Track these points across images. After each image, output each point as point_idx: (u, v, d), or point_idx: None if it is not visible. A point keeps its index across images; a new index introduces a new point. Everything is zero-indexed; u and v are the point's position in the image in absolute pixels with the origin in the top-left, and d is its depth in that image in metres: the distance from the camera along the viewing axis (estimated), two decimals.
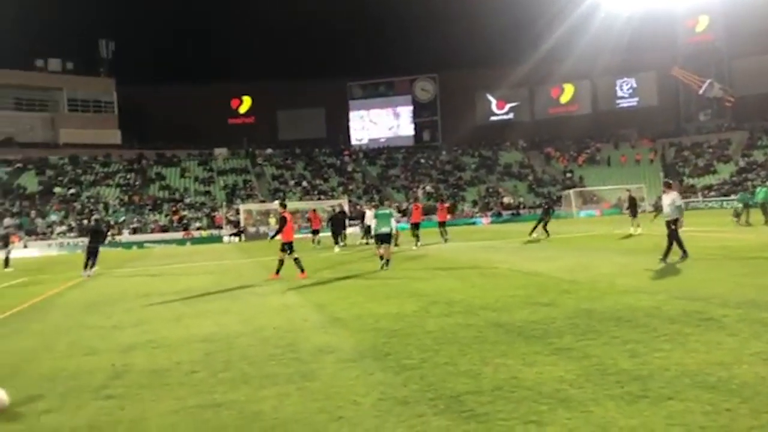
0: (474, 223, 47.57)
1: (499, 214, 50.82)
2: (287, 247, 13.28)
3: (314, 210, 30.02)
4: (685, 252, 11.88)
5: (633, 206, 23.28)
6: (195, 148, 66.71)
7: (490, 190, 58.60)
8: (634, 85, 76.32)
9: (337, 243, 24.39)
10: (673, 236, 11.91)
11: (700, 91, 66.65)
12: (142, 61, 77.32)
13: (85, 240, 20.25)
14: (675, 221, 11.95)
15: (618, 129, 72.53)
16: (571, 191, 51.17)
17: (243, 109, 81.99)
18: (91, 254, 18.03)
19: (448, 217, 26.98)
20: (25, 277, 18.94)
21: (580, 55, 66.80)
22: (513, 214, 51.07)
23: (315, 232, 26.87)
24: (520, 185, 60.54)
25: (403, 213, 25.01)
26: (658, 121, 71.58)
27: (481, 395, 4.38)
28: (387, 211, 15.05)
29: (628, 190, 27.36)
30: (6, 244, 23.33)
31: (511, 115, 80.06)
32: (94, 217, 29.76)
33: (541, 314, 7.30)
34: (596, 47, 65.67)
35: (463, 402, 4.26)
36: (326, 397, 4.56)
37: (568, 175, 62.85)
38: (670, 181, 12.60)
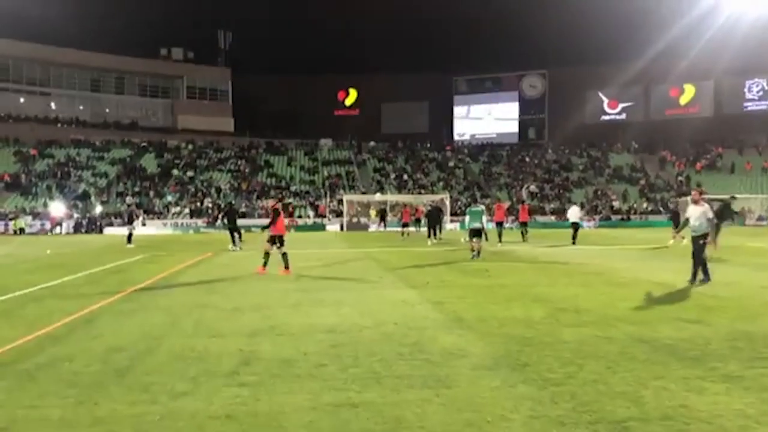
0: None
1: (608, 218, 48.42)
2: (277, 240, 12.88)
3: (405, 204, 31.94)
4: (706, 275, 10.59)
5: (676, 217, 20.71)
6: (301, 137, 68.45)
7: (599, 192, 56.02)
8: (766, 87, 70.35)
9: (430, 237, 25.26)
10: (698, 254, 10.53)
11: None
12: (256, 53, 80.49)
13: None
14: (704, 236, 10.54)
15: (744, 134, 67.14)
16: (689, 198, 47.72)
17: (349, 102, 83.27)
18: (231, 232, 21.60)
19: (528, 218, 27.19)
20: (144, 253, 19.96)
21: (703, 53, 62.28)
22: (623, 218, 48.52)
23: (404, 225, 29.94)
24: (630, 189, 57.46)
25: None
26: None
27: (649, 424, 3.86)
28: (479, 209, 16.70)
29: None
30: (130, 222, 24.79)
31: (623, 116, 76.16)
32: (229, 201, 31.63)
33: (689, 332, 6.57)
34: (721, 45, 61.03)
35: (629, 430, 3.76)
36: (471, 408, 4.19)
37: (680, 179, 58.90)
38: (703, 189, 10.90)
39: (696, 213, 10.71)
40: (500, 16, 75.07)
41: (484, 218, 16.43)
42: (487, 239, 19.84)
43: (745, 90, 71.32)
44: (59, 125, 64.84)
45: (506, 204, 32.01)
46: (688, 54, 63.09)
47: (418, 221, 32.04)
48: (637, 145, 68.96)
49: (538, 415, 4.02)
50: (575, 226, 22.74)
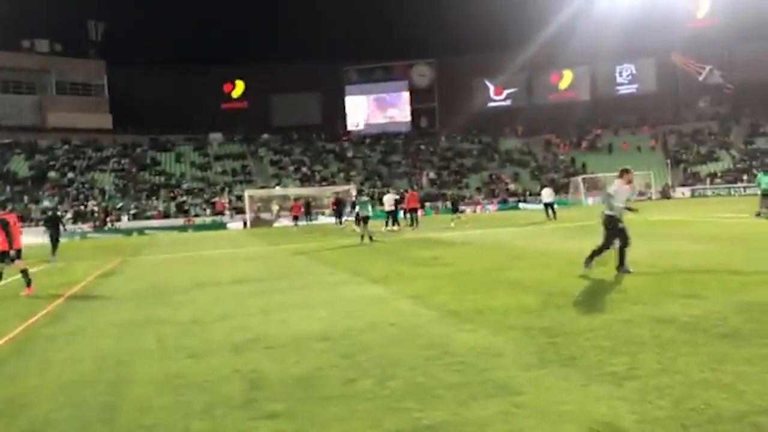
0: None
1: (505, 201, 50.10)
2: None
3: (295, 199, 34.65)
4: (591, 259, 9.39)
5: None
6: (188, 133, 65.07)
7: (493, 177, 57.85)
8: (634, 72, 75.74)
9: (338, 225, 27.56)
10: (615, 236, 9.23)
11: (700, 78, 66.26)
12: (133, 44, 75.18)
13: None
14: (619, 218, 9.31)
15: (617, 116, 72.02)
16: (579, 178, 50.56)
17: (236, 94, 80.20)
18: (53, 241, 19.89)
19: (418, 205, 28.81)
20: (38, 265, 17.74)
21: (580, 40, 66.00)
22: (519, 200, 50.38)
23: (295, 218, 33.97)
24: (522, 172, 59.86)
25: (401, 200, 25.92)
26: (658, 108, 71.10)
27: None
28: (366, 200, 19.62)
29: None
30: None
31: (509, 102, 79.12)
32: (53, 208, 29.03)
33: (699, 309, 6.41)
34: (597, 33, 64.93)
35: (762, 427, 3.37)
36: (567, 417, 3.63)
37: (562, 158, 62.25)
38: (629, 168, 9.90)
39: (624, 194, 9.48)
40: (388, 4, 75.37)
41: (369, 207, 19.21)
42: (399, 226, 23.79)
43: (617, 75, 76.42)
44: None
45: (418, 192, 32.56)
46: (567, 42, 66.54)
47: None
48: (524, 130, 71.97)
49: (647, 419, 3.53)
50: (551, 206, 25.43)
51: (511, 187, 54.57)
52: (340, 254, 15.63)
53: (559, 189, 53.87)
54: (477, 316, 6.69)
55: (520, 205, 48.71)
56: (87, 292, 10.93)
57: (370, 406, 4.03)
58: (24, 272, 11.01)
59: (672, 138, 64.78)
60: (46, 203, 45.26)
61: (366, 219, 18.24)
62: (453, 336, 5.82)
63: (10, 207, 43.02)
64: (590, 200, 48.46)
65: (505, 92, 79.18)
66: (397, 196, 25.60)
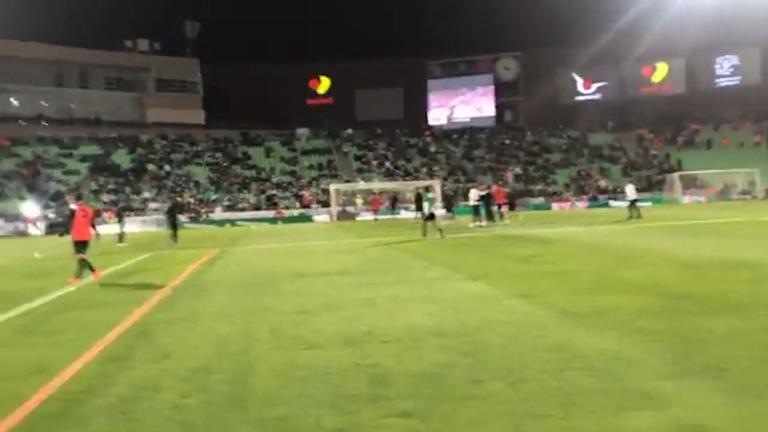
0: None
1: (595, 198, 48.29)
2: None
3: (375, 193, 36.81)
4: None
5: None
6: (276, 128, 66.77)
7: (582, 173, 55.92)
8: (736, 63, 71.13)
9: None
10: None
11: None
12: (225, 42, 78.14)
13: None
14: None
15: (717, 110, 67.91)
16: (675, 175, 48.01)
17: (321, 90, 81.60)
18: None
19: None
20: (143, 252, 18.62)
21: (675, 30, 62.57)
22: (609, 197, 48.42)
23: (375, 212, 36.28)
24: (612, 168, 57.52)
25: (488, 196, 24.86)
26: (763, 102, 66.39)
27: None
28: (431, 196, 19.71)
29: None
30: (120, 220, 23.33)
31: (598, 95, 76.39)
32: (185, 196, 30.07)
33: None
34: (691, 22, 61.36)
35: None
36: None
37: (655, 154, 59.14)
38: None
39: None
40: None
41: (436, 204, 19.74)
42: (485, 221, 24.12)
43: (717, 66, 72.01)
44: (22, 122, 61.98)
45: (505, 188, 31.91)
46: (658, 32, 63.21)
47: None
48: (613, 124, 69.19)
49: None
50: (634, 203, 24.71)
51: (601, 183, 52.50)
52: (431, 248, 15.43)
53: (653, 186, 51.51)
54: (598, 317, 6.32)
55: (611, 202, 46.76)
56: (193, 279, 11.28)
57: (506, 410, 3.82)
58: (80, 261, 11.34)
59: None
60: (145, 194, 47.71)
61: (432, 216, 18.79)
62: (577, 338, 5.50)
63: (115, 197, 45.74)
64: (686, 198, 45.93)
65: (595, 85, 76.48)
66: (484, 192, 25.09)
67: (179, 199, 23.95)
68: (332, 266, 12.22)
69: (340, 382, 4.54)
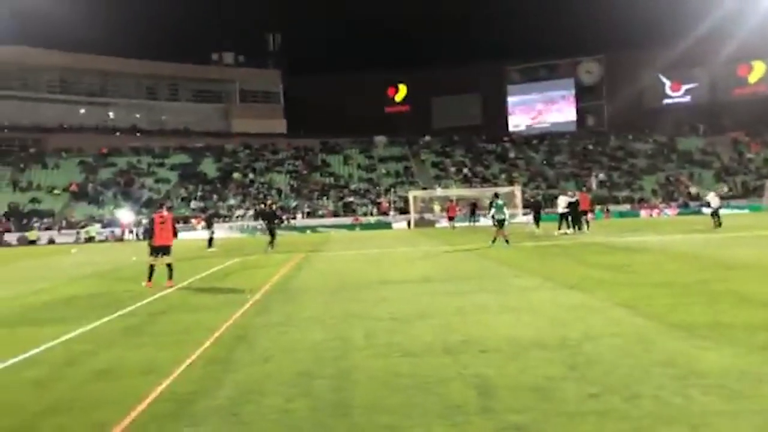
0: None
1: (686, 205, 45.91)
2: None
3: (451, 200, 36.66)
4: None
5: None
6: (355, 136, 67.58)
7: (670, 178, 53.37)
8: None
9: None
10: None
11: None
12: (305, 53, 79.96)
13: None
14: None
15: None
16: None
17: (399, 97, 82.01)
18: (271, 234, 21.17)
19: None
20: (232, 257, 19.20)
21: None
22: (701, 204, 45.83)
23: (450, 219, 34.67)
24: (704, 173, 54.58)
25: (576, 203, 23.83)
26: None
27: None
28: (501, 203, 19.10)
29: None
30: (209, 226, 24.23)
31: (687, 98, 72.69)
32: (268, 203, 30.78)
33: None
34: None
35: None
36: None
37: (751, 158, 55.52)
38: None
39: None
40: (551, 0, 72.84)
41: (506, 210, 19.05)
42: (572, 229, 23.57)
43: None
44: (118, 134, 65.76)
45: (589, 194, 30.87)
46: (752, 29, 59.51)
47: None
48: (705, 128, 65.69)
49: None
50: (716, 212, 23.73)
51: (693, 190, 49.87)
52: (516, 256, 15.06)
53: (750, 192, 48.48)
54: (713, 332, 5.91)
55: (703, 209, 44.20)
56: (283, 284, 11.49)
57: (628, 428, 3.61)
58: (168, 266, 11.98)
59: None
60: (231, 201, 49.43)
61: (501, 222, 18.59)
62: (693, 353, 5.16)
63: (203, 204, 47.62)
64: None
65: (684, 87, 72.87)
66: (572, 199, 24.28)
67: (272, 206, 24.73)
68: (416, 273, 12.14)
69: (444, 392, 4.44)
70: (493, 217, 19.22)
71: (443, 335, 6.30)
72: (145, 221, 44.46)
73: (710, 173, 54.69)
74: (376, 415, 4.07)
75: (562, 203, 23.49)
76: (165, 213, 12.48)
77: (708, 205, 25.69)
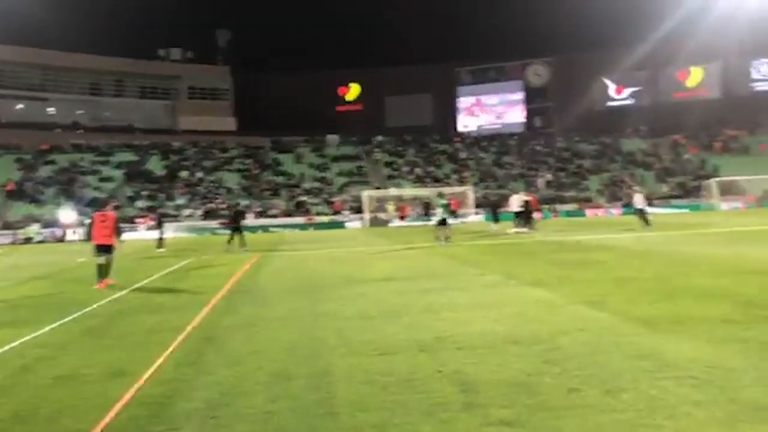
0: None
1: (629, 205, 47.39)
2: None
3: (402, 199, 39.00)
4: None
5: None
6: (306, 134, 67.06)
7: (615, 179, 55.08)
8: None
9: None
10: None
11: None
12: (255, 50, 79.04)
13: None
14: None
15: (753, 115, 66.30)
16: (713, 181, 46.97)
17: (351, 96, 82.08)
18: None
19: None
20: (184, 258, 18.75)
21: (709, 34, 61.41)
22: (647, 204, 47.47)
23: (401, 218, 37.53)
24: (646, 175, 56.54)
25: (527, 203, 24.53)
26: None
27: None
28: (445, 202, 20.47)
29: None
30: (159, 226, 23.59)
31: (631, 101, 75.29)
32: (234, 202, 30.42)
33: None
34: (728, 26, 60.19)
35: None
36: None
37: (688, 159, 57.92)
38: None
39: None
40: (502, 4, 74.10)
41: (446, 211, 20.03)
42: (527, 228, 23.99)
43: (753, 70, 70.50)
44: (58, 130, 63.33)
45: (536, 195, 31.76)
46: (693, 36, 62.14)
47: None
48: (647, 130, 68.09)
49: None
50: (641, 211, 23.72)
51: (635, 189, 51.57)
52: (475, 254, 15.25)
53: (689, 192, 50.47)
54: (676, 326, 6.11)
55: (648, 209, 45.80)
56: (245, 284, 11.29)
57: (612, 420, 3.68)
58: (99, 266, 11.62)
59: None
60: (179, 200, 48.26)
61: (444, 221, 19.42)
62: (661, 346, 5.31)
63: (151, 203, 46.32)
64: (725, 205, 44.87)
65: (627, 90, 75.49)
66: (527, 198, 24.81)
67: (239, 206, 24.54)
68: (380, 272, 12.13)
69: (426, 390, 4.44)
70: (436, 216, 19.90)
71: (416, 333, 6.31)
72: (88, 221, 43.07)
73: (652, 174, 56.67)
74: (361, 413, 4.03)
75: (516, 202, 23.94)
76: (109, 212, 12.15)
77: (632, 205, 26.48)
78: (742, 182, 49.70)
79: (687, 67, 71.44)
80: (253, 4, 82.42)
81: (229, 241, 20.44)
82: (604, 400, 4.02)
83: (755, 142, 60.88)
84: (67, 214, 42.99)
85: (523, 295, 8.46)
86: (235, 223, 21.02)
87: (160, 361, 5.58)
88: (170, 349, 6.05)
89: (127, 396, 4.57)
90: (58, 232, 41.42)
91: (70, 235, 40.52)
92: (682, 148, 62.97)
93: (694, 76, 72.72)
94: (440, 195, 21.01)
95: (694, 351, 5.09)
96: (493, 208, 26.94)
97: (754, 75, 70.93)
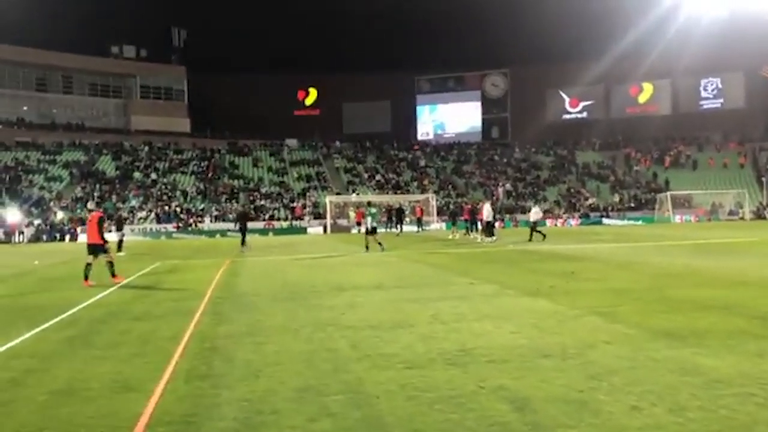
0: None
1: (587, 215, 48.51)
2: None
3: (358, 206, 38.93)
4: None
5: None
6: (263, 138, 66.04)
7: (572, 190, 56.22)
8: (719, 86, 72.46)
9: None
10: None
11: None
12: (212, 51, 77.27)
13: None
14: None
15: (701, 131, 68.93)
16: (667, 194, 48.43)
17: (309, 101, 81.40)
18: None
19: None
20: (151, 262, 17.94)
21: (661, 52, 63.55)
22: (602, 215, 48.67)
23: (358, 224, 36.82)
24: (601, 186, 57.97)
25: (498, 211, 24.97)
26: (746, 124, 67.55)
27: None
28: (374, 211, 21.04)
29: None
30: (119, 228, 22.60)
31: (585, 114, 77.17)
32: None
33: None
34: (679, 45, 62.38)
35: None
36: None
37: (638, 171, 59.78)
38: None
39: None
40: (461, 14, 74.83)
41: (375, 219, 20.58)
42: (494, 237, 24.05)
43: (701, 89, 73.26)
44: (1, 126, 60.44)
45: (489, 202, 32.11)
46: (648, 53, 64.17)
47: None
48: (600, 143, 69.87)
49: None
50: (534, 225, 24.23)
51: (592, 201, 52.81)
52: (454, 262, 15.10)
53: (642, 205, 51.95)
54: (700, 339, 5.98)
55: (604, 220, 47.04)
56: (228, 290, 10.77)
57: None
58: (87, 265, 11.72)
59: (763, 156, 61.34)
60: (132, 202, 46.67)
61: (374, 229, 19.91)
62: (700, 360, 5.16)
63: (103, 205, 44.60)
64: (678, 218, 46.35)
65: (582, 104, 77.32)
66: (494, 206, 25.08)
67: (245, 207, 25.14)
68: (364, 279, 11.78)
69: (477, 407, 4.14)
70: (366, 225, 20.27)
71: (435, 345, 6.00)
72: (37, 221, 41.11)
73: (607, 186, 58.11)
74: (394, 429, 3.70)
75: (488, 211, 24.01)
76: (94, 212, 11.73)
77: (529, 219, 26.48)
78: (693, 196, 51.57)
79: (639, 83, 73.69)
80: (210, 4, 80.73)
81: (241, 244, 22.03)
82: (671, 419, 3.80)
83: (703, 157, 63.19)
84: (13, 213, 40.90)
85: (527, 306, 8.27)
86: (242, 227, 22.96)
87: (167, 374, 5.11)
88: (174, 360, 5.56)
89: (146, 415, 4.10)
90: (1, 233, 39.33)
91: (17, 236, 38.53)
92: (634, 161, 64.84)
93: (646, 92, 75.13)
94: (369, 204, 21.21)
95: (737, 366, 4.95)
96: (452, 216, 27.38)
97: (703, 93, 73.65)
